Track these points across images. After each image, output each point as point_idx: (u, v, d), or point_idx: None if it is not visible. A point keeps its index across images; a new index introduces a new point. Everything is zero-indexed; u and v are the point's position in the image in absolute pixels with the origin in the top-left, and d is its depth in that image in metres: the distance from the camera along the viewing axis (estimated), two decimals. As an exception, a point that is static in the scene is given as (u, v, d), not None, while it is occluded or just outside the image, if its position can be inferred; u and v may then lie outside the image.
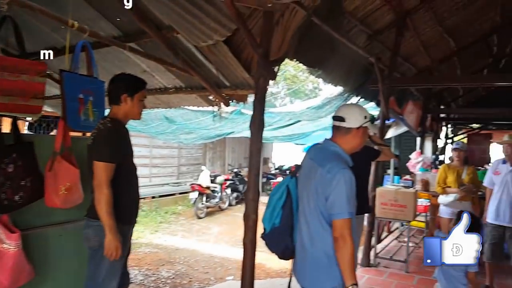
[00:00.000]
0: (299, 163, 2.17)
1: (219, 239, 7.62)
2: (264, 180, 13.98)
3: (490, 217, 4.21)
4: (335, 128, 2.04)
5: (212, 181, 10.50)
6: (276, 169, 15.77)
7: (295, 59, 3.59)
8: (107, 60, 3.57)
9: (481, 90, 9.93)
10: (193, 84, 3.69)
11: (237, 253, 6.69)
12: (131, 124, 3.16)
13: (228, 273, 5.75)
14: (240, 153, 14.88)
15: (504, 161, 4.26)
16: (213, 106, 3.93)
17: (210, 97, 3.86)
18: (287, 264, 6.00)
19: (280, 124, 7.10)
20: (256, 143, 2.40)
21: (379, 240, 5.53)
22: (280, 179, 11.91)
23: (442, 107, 8.93)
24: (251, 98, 3.34)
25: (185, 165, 12.45)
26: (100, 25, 3.10)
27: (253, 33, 2.53)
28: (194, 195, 9.62)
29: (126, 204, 2.27)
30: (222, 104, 3.74)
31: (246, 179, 14.39)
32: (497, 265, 4.22)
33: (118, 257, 2.15)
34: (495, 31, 6.03)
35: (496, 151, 16.31)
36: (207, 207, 9.96)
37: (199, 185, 9.81)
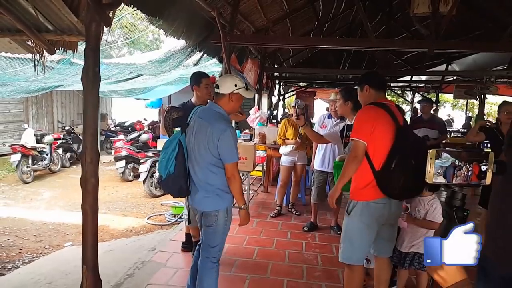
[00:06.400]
0: (187, 122, 2.63)
1: (53, 205, 6.84)
2: (103, 138, 12.98)
3: (316, 164, 4.84)
4: (216, 94, 2.56)
5: (39, 141, 9.19)
6: (116, 125, 14.72)
7: (132, 5, 3.27)
8: None
9: (308, 52, 11.14)
10: (4, 24, 2.99)
11: (76, 217, 6.17)
12: None
13: (66, 239, 5.27)
14: (72, 108, 13.27)
15: (329, 116, 4.82)
16: (33, 53, 3.28)
17: (29, 43, 3.22)
18: (133, 223, 5.87)
19: (119, 78, 6.53)
20: (91, 99, 2.07)
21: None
22: (121, 136, 11.19)
23: (276, 66, 9.65)
24: (82, 47, 2.93)
25: (1, 123, 10.50)
26: None
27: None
28: (16, 157, 8.31)
29: None
30: (45, 52, 3.17)
31: (81, 137, 13.21)
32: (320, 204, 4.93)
33: None
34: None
35: (319, 106, 18.82)
36: (35, 171, 8.77)
37: (22, 146, 8.50)
